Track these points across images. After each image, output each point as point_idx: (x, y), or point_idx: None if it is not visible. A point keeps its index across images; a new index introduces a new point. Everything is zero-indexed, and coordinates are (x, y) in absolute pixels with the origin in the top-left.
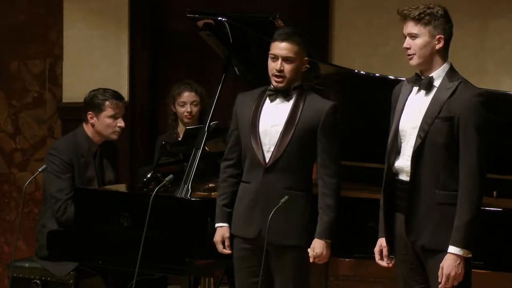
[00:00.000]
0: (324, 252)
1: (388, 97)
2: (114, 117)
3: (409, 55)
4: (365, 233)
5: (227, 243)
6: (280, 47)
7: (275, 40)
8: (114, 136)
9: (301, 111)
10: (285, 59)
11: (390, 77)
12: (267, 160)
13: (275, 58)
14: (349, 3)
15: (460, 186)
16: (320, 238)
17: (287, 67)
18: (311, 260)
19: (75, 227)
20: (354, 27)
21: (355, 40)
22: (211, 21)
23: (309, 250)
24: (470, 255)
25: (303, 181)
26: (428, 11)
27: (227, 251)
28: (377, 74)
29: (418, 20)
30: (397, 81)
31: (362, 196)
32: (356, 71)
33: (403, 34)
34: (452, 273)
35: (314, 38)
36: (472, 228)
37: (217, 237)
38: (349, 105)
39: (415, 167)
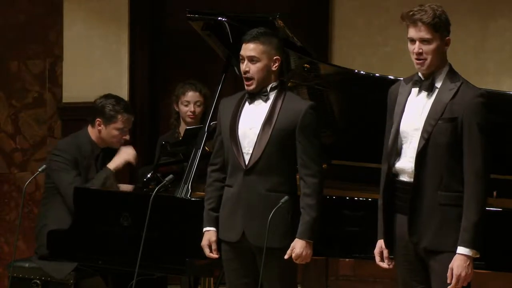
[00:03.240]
0: (304, 252)
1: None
2: (122, 130)
3: (419, 59)
4: (365, 233)
5: (213, 247)
6: (246, 48)
7: (242, 41)
8: (116, 145)
9: (279, 112)
10: (250, 60)
11: (390, 77)
12: (246, 162)
13: (242, 59)
14: (349, 3)
15: (466, 187)
16: (301, 238)
17: (253, 68)
18: (285, 257)
19: (75, 227)
20: (354, 27)
21: (355, 40)
22: (211, 21)
23: (288, 250)
24: (478, 255)
25: (286, 183)
26: (438, 13)
27: (214, 255)
28: (377, 74)
29: (432, 25)
30: (397, 81)
31: (362, 196)
32: (356, 71)
33: (410, 37)
34: (463, 274)
35: (314, 38)
36: (479, 228)
37: (204, 241)
38: (349, 105)
39: (418, 168)
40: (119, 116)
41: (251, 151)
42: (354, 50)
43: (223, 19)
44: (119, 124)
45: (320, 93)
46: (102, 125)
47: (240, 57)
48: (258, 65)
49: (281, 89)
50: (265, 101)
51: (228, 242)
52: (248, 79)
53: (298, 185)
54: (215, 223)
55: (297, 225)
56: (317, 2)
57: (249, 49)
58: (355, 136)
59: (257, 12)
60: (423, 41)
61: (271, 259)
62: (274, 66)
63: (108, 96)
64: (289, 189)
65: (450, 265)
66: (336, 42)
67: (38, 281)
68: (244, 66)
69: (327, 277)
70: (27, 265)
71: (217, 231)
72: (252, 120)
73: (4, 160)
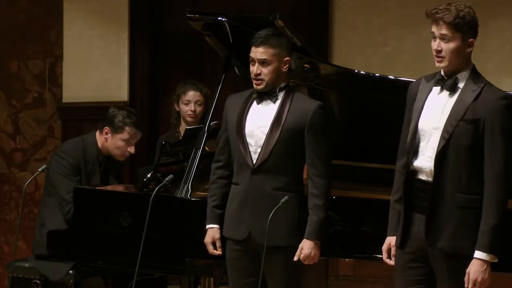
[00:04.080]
0: (313, 253)
1: (388, 97)
2: (128, 142)
3: (438, 57)
4: (365, 233)
5: (218, 244)
6: (256, 51)
7: (252, 44)
8: (120, 158)
9: (288, 112)
10: (261, 62)
11: (390, 77)
12: (254, 162)
13: (253, 61)
14: (349, 3)
15: (486, 189)
16: (309, 238)
17: (264, 70)
18: (295, 259)
19: (75, 227)
20: (354, 27)
21: (355, 40)
22: (211, 21)
23: (297, 251)
24: (495, 260)
25: (292, 182)
26: (461, 14)
27: (218, 252)
28: (377, 74)
29: (453, 24)
30: (397, 81)
31: (362, 196)
32: (356, 71)
33: (432, 34)
34: (479, 279)
35: (314, 38)
36: (498, 232)
37: (207, 239)
38: (349, 105)
39: (438, 168)
40: (127, 128)
41: (259, 150)
42: (354, 50)
43: (223, 19)
44: (125, 135)
45: (320, 93)
46: (109, 134)
47: (250, 59)
48: (270, 67)
49: (290, 89)
50: (274, 101)
51: (234, 241)
52: (258, 79)
53: (305, 184)
54: (219, 220)
55: (302, 224)
56: (317, 2)
57: (259, 52)
58: (355, 136)
59: (257, 12)
60: (443, 39)
61: (276, 257)
62: (284, 67)
63: (121, 108)
64: (295, 188)
65: (467, 270)
66: (336, 42)
67: (38, 281)
68: (255, 69)
69: (327, 277)
70: (27, 265)
71: (221, 229)
72: (260, 119)
73: (4, 160)
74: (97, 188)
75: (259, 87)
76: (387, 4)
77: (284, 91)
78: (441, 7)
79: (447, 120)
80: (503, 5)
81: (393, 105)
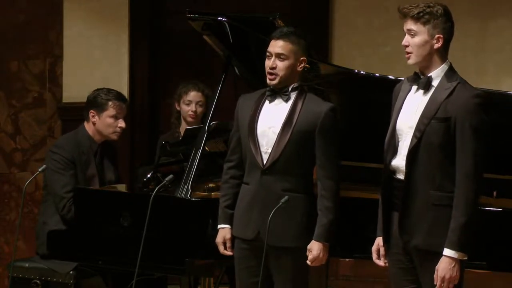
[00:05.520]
0: (321, 255)
1: (388, 97)
2: (115, 117)
3: (407, 53)
4: (365, 233)
5: (228, 244)
6: (275, 45)
7: (271, 38)
8: (114, 137)
9: (299, 113)
10: (278, 56)
11: (390, 77)
12: (264, 162)
13: (270, 55)
14: (349, 3)
15: (456, 187)
16: (318, 240)
17: (280, 65)
18: (309, 262)
19: (75, 227)
20: (354, 27)
21: (355, 40)
22: (211, 21)
23: (307, 253)
24: (465, 258)
25: (302, 183)
26: (428, 10)
27: (228, 252)
28: (377, 74)
29: (417, 18)
30: (397, 81)
31: (362, 196)
32: (356, 71)
33: (404, 32)
34: (447, 276)
35: (314, 38)
36: (467, 230)
37: (219, 239)
38: (349, 105)
39: (410, 167)
40: (110, 103)
41: (269, 151)
42: (354, 50)
43: (223, 19)
44: (111, 111)
45: (320, 93)
46: (96, 116)
47: (267, 54)
48: (285, 63)
49: (302, 90)
50: (286, 101)
51: (243, 240)
52: (272, 73)
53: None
54: (230, 221)
55: (311, 225)
56: (317, 2)
57: (278, 46)
58: (355, 136)
59: (257, 12)
60: (410, 33)
61: (284, 258)
62: (300, 66)
63: (99, 89)
64: (305, 189)
65: (436, 267)
66: (336, 42)
67: (38, 281)
68: (271, 62)
69: (327, 277)
70: (27, 265)
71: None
72: (271, 119)
73: (4, 160)
74: (97, 188)
75: (273, 82)
76: (387, 4)
77: (296, 92)
78: (412, 5)
79: (419, 119)
80: (503, 5)
81: None
